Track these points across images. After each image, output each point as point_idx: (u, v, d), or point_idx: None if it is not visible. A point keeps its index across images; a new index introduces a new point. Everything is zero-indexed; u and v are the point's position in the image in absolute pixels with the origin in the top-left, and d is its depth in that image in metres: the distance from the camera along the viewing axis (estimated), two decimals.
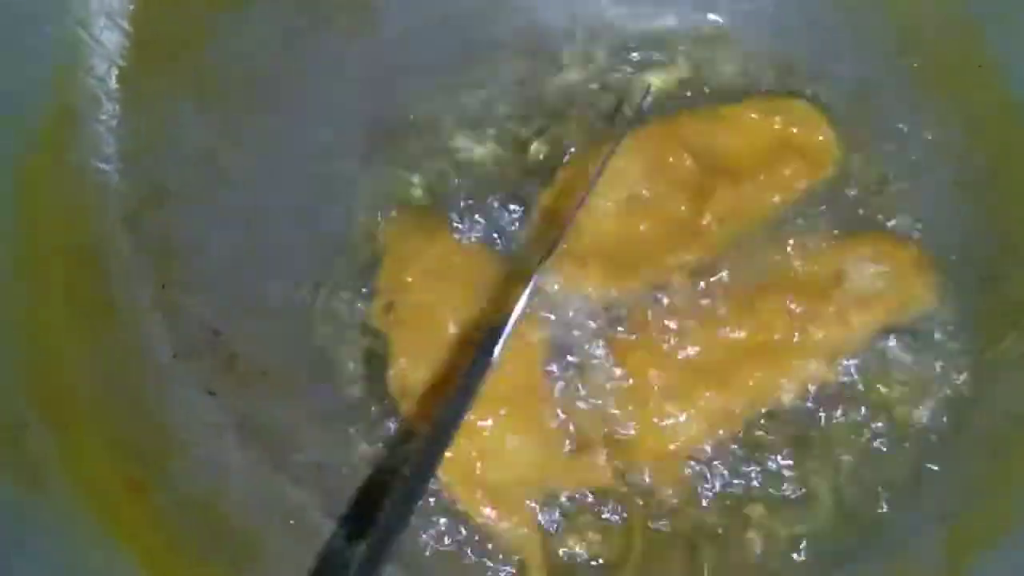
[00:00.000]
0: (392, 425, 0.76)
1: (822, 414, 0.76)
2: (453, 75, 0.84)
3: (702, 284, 0.78)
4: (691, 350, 0.76)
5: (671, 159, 0.81)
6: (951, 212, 0.79)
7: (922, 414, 0.75)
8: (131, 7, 0.76)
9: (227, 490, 0.73)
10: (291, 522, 0.73)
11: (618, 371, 0.76)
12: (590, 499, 0.75)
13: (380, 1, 0.83)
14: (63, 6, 0.74)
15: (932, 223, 0.79)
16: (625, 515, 0.74)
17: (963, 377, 0.74)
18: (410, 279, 0.78)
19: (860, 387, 0.76)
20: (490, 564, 0.73)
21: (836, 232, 0.80)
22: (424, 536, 0.73)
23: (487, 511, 0.73)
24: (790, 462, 0.74)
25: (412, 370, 0.76)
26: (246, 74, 0.80)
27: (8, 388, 0.67)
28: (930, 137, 0.80)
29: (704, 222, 0.80)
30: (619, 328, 0.77)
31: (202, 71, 0.79)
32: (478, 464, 0.74)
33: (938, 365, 0.75)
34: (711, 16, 0.85)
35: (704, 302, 0.78)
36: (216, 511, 0.72)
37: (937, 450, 0.73)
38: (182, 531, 0.69)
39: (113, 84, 0.76)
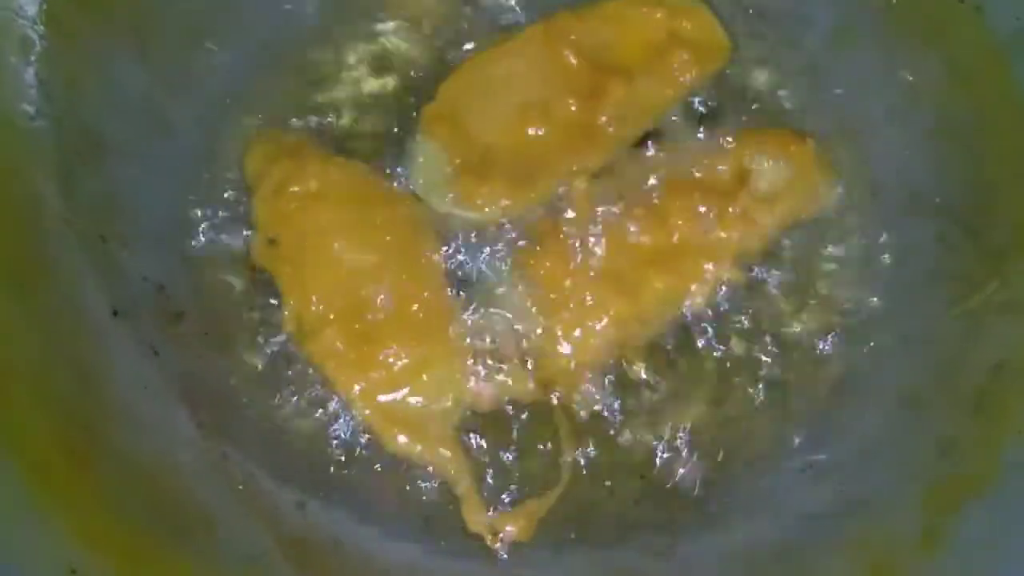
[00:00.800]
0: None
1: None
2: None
3: (601, 189, 0.77)
4: (598, 258, 0.75)
5: (559, 61, 0.79)
6: (931, 159, 0.76)
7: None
8: None
9: (173, 457, 0.69)
10: (240, 488, 0.70)
11: (524, 285, 0.75)
12: (511, 412, 0.74)
13: None
14: None
15: (911, 170, 0.77)
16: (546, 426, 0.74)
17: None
18: (287, 208, 0.75)
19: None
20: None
21: (735, 131, 0.79)
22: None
23: (402, 439, 0.72)
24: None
25: (306, 309, 0.73)
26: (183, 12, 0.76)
27: None
28: (910, 78, 0.78)
29: (600, 122, 0.78)
30: (521, 242, 0.76)
31: (138, 10, 0.74)
32: (392, 394, 0.72)
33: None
34: None
35: (607, 208, 0.76)
36: (162, 480, 0.67)
37: (918, 400, 0.72)
38: (126, 502, 0.64)
39: (41, 25, 0.70)
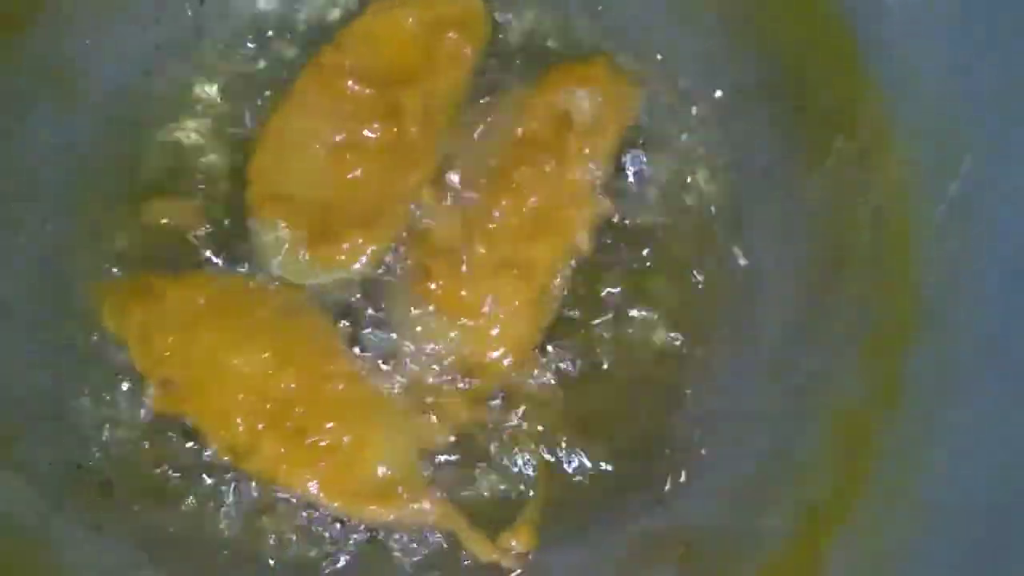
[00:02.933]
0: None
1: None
2: None
3: (449, 191, 0.77)
4: (480, 254, 0.75)
5: (343, 95, 0.78)
6: (734, 50, 0.79)
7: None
8: None
9: None
10: None
11: (427, 312, 0.74)
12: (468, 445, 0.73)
13: None
14: None
15: (716, 68, 0.80)
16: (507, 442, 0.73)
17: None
18: (164, 349, 0.72)
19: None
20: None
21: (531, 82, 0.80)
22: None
23: (379, 511, 0.71)
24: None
25: (232, 432, 0.71)
26: None
27: None
28: None
29: (411, 133, 0.78)
30: (398, 270, 0.76)
31: None
32: (350, 475, 0.71)
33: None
34: None
35: (461, 203, 0.77)
36: None
37: (820, 272, 0.73)
38: None
39: None
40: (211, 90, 0.81)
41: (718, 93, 0.80)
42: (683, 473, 0.73)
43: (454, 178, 0.77)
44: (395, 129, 0.78)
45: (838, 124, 0.73)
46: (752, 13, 0.77)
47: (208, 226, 0.77)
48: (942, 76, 0.67)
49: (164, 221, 0.77)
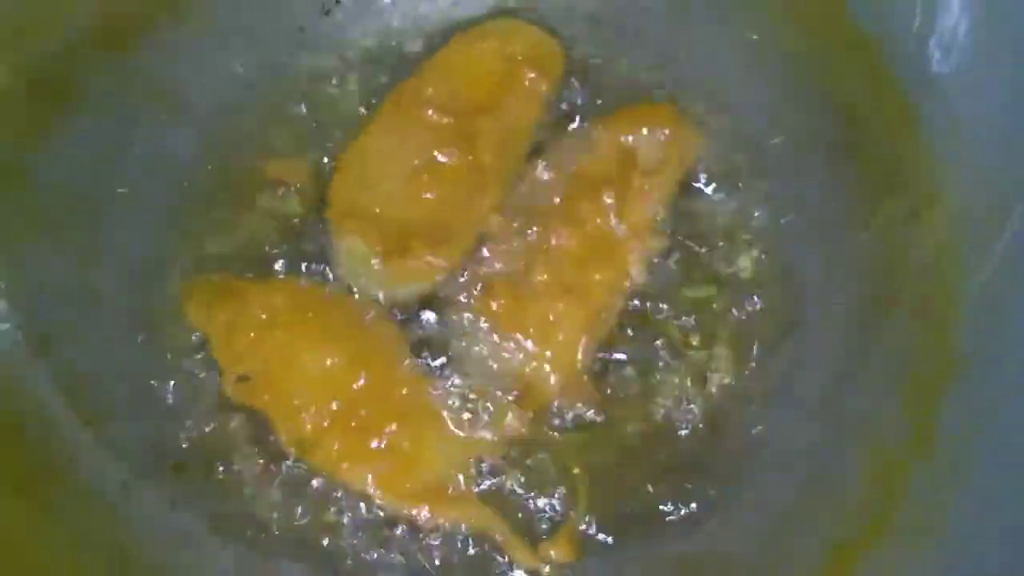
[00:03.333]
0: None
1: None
2: None
3: (515, 217, 0.81)
4: (539, 278, 0.79)
5: (424, 122, 0.83)
6: (793, 101, 0.82)
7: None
8: None
9: None
10: None
11: (487, 330, 0.78)
12: (517, 456, 0.77)
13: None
14: None
15: (777, 117, 0.83)
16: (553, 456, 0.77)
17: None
18: (244, 346, 0.77)
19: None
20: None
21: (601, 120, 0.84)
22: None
23: (428, 513, 0.74)
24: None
25: (300, 427, 0.75)
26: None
27: None
28: (755, 37, 0.83)
29: (485, 160, 0.82)
30: (468, 293, 0.79)
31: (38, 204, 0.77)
32: (404, 475, 0.75)
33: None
34: None
35: (526, 229, 0.80)
36: None
37: (867, 319, 0.75)
38: None
39: None
40: (302, 111, 0.86)
41: (777, 140, 0.83)
42: (722, 500, 0.75)
43: (521, 205, 0.81)
44: (469, 157, 0.82)
45: (891, 180, 0.75)
46: (816, 70, 0.80)
47: (300, 214, 0.82)
48: (992, 139, 0.70)
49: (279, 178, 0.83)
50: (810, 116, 0.81)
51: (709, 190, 0.84)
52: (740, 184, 0.83)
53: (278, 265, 0.81)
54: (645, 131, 0.83)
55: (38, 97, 0.77)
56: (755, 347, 0.79)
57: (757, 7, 0.82)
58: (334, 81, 0.87)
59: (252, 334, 0.77)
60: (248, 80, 0.86)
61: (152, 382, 0.78)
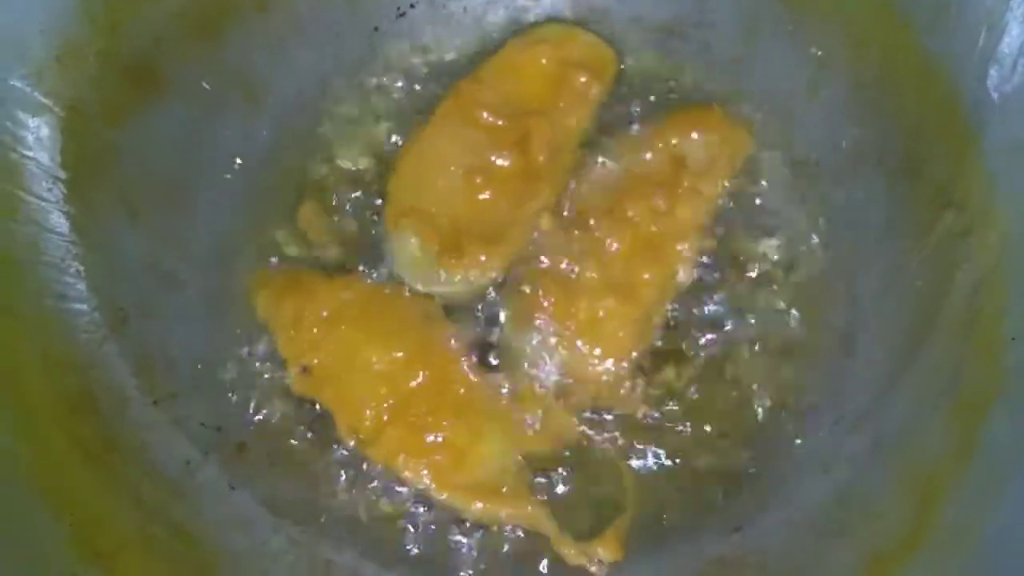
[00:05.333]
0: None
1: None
2: None
3: (567, 217, 0.82)
4: (590, 276, 0.80)
5: (479, 124, 0.84)
6: (855, 120, 0.82)
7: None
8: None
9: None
10: None
11: (540, 328, 0.79)
12: (567, 454, 0.78)
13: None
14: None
15: (842, 134, 0.83)
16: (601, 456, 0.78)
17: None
18: (310, 339, 0.79)
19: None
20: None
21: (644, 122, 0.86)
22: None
23: (481, 507, 0.76)
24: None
25: (360, 420, 0.77)
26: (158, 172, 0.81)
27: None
28: (819, 53, 0.84)
29: (539, 162, 0.83)
30: (515, 286, 0.81)
31: (123, 184, 0.79)
32: (460, 470, 0.76)
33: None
34: None
35: (577, 229, 0.82)
36: None
37: (916, 339, 0.76)
38: None
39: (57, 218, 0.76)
40: (370, 110, 0.88)
41: (837, 154, 0.84)
42: (763, 507, 0.77)
43: (572, 206, 0.83)
44: (522, 158, 0.83)
45: (947, 198, 0.76)
46: (879, 87, 0.81)
47: (339, 245, 0.84)
48: None
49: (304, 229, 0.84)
50: (871, 131, 0.82)
51: (768, 201, 0.85)
52: (799, 195, 0.85)
53: (344, 261, 0.83)
54: (695, 134, 0.84)
55: (128, 81, 0.79)
56: (805, 357, 0.81)
57: (824, 24, 0.83)
58: (400, 83, 0.88)
59: (317, 328, 0.79)
60: (323, 76, 0.87)
61: (220, 365, 0.80)
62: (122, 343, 0.77)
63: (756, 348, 0.81)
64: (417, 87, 0.88)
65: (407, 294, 0.81)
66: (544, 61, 0.87)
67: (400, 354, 0.78)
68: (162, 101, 0.80)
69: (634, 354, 0.80)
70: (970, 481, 0.69)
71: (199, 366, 0.80)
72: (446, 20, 0.89)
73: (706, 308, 0.82)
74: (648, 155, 0.84)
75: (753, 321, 0.82)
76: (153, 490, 0.74)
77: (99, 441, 0.73)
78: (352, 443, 0.77)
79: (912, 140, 0.79)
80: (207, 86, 0.82)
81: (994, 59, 0.73)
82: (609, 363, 0.79)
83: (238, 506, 0.76)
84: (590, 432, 0.79)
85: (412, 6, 0.88)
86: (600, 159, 0.84)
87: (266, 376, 0.80)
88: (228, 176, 0.84)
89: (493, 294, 0.82)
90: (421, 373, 0.77)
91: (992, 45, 0.73)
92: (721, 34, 0.87)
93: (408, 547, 0.77)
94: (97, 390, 0.75)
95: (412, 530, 0.77)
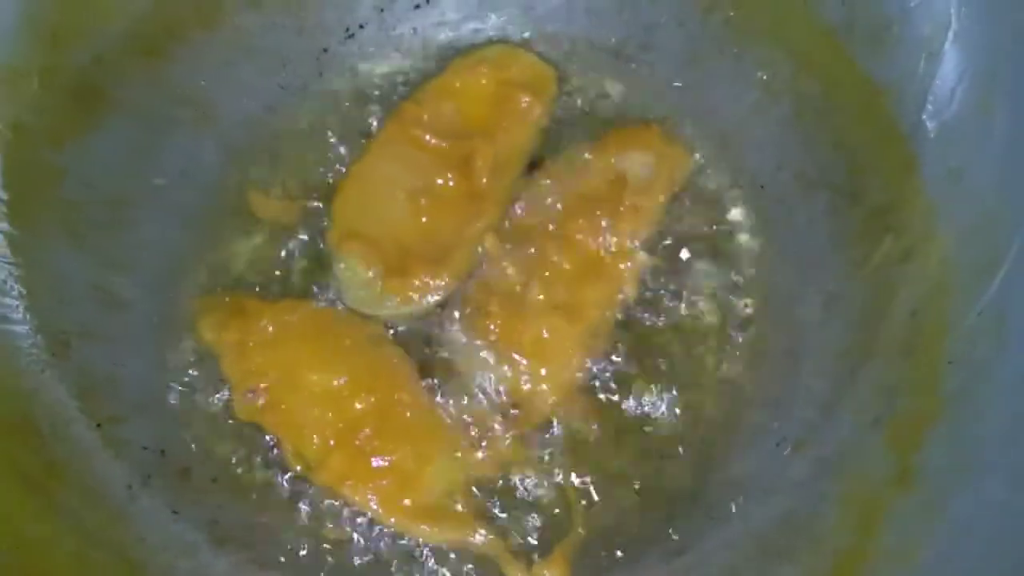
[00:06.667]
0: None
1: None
2: None
3: (510, 237, 0.83)
4: (535, 296, 0.80)
5: (421, 146, 0.84)
6: (800, 141, 0.83)
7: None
8: None
9: None
10: None
11: (484, 349, 0.80)
12: (513, 476, 0.78)
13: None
14: None
15: (787, 155, 0.84)
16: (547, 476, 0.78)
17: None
18: (253, 364, 0.78)
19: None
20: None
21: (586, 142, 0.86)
22: None
23: (429, 531, 0.76)
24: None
25: (306, 446, 0.77)
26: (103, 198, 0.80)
27: None
28: (764, 77, 0.85)
29: (482, 183, 0.83)
30: (465, 312, 0.81)
31: (67, 205, 0.78)
32: (406, 495, 0.76)
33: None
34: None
35: (521, 249, 0.82)
36: None
37: (853, 359, 0.77)
38: None
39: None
40: (317, 131, 0.87)
41: (779, 176, 0.85)
42: (705, 529, 0.77)
43: (516, 226, 0.83)
44: (467, 179, 0.83)
45: (887, 223, 0.77)
46: (821, 112, 0.82)
47: (304, 236, 0.84)
48: (987, 187, 0.72)
49: (264, 216, 0.84)
50: (814, 156, 0.83)
51: (711, 223, 0.86)
52: (742, 217, 0.86)
53: (288, 285, 0.83)
54: (634, 153, 0.85)
55: (72, 101, 0.78)
56: (747, 379, 0.81)
57: (768, 49, 0.84)
58: (347, 104, 0.88)
59: (261, 353, 0.78)
60: (270, 96, 0.87)
61: (164, 389, 0.79)
62: (64, 366, 0.75)
63: (699, 369, 0.81)
64: (364, 108, 0.88)
65: (353, 317, 0.81)
66: (485, 82, 0.87)
67: (345, 378, 0.77)
68: (107, 121, 0.79)
69: (579, 373, 0.80)
70: (909, 505, 0.70)
71: (143, 389, 0.79)
72: (396, 42, 0.90)
73: (650, 325, 0.82)
74: (590, 175, 0.84)
75: (696, 342, 0.82)
76: (95, 515, 0.73)
77: (39, 465, 0.72)
78: (298, 468, 0.77)
79: (854, 165, 0.80)
80: (153, 106, 0.81)
81: (932, 88, 0.75)
82: (556, 382, 0.79)
83: (181, 531, 0.75)
84: (537, 453, 0.79)
85: (361, 27, 0.88)
86: (544, 180, 0.84)
87: (211, 400, 0.79)
88: (174, 196, 0.83)
89: (439, 315, 0.81)
90: (367, 397, 0.77)
91: (931, 73, 0.75)
92: (667, 57, 0.88)
93: (355, 573, 0.76)
94: (38, 413, 0.73)
95: (359, 556, 0.76)
